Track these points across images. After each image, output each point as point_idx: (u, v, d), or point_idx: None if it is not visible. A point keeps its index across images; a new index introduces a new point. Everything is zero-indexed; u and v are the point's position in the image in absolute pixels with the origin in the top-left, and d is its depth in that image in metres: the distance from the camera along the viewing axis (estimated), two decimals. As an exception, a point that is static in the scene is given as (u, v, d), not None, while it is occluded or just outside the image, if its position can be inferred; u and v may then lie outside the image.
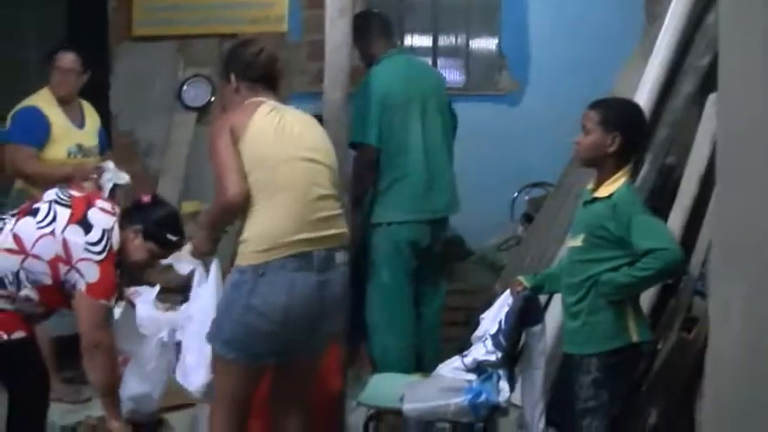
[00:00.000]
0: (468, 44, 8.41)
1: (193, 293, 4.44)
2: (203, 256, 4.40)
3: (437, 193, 5.76)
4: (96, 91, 6.64)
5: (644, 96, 5.54)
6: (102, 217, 4.43)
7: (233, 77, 4.26)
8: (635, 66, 6.01)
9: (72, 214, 4.38)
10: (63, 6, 8.65)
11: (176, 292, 6.40)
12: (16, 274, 4.33)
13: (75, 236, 4.32)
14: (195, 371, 4.52)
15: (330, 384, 4.76)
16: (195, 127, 7.87)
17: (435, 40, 8.51)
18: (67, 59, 5.94)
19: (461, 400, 4.30)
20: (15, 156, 5.71)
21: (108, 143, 6.39)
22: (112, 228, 4.41)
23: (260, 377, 4.12)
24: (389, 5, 8.09)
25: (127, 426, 4.55)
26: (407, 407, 4.35)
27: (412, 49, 8.14)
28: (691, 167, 5.16)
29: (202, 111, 7.90)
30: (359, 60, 5.84)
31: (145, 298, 5.87)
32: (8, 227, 4.40)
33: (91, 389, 5.64)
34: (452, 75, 8.31)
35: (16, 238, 4.34)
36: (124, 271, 4.61)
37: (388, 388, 4.60)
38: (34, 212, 4.40)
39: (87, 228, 4.35)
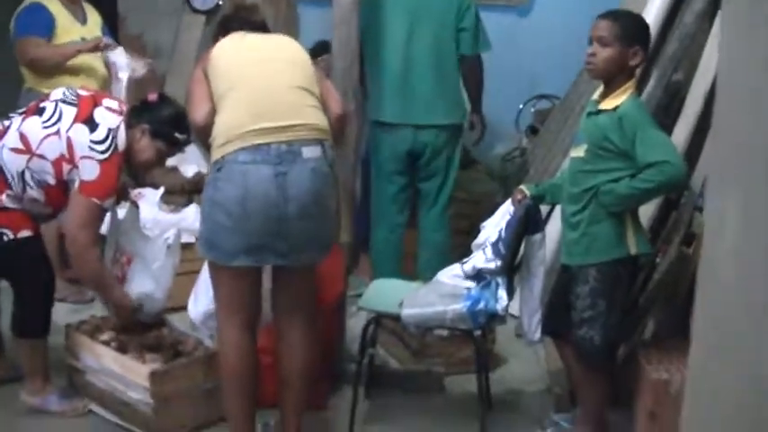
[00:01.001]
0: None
1: None
2: None
3: (415, 102, 5.81)
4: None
5: (654, 10, 5.51)
6: (109, 116, 4.44)
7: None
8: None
9: (78, 113, 4.39)
10: None
11: (181, 193, 6.47)
12: (21, 174, 4.36)
13: (80, 134, 4.34)
14: (196, 298, 4.57)
15: (332, 289, 4.80)
16: (203, 29, 7.84)
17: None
18: None
19: (460, 306, 4.31)
20: (26, 47, 5.70)
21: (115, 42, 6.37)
22: (118, 127, 4.42)
23: (246, 280, 4.00)
24: None
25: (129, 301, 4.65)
26: (406, 312, 4.37)
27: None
28: (697, 83, 5.15)
29: (211, 13, 7.85)
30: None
31: (149, 200, 5.92)
32: (15, 125, 4.41)
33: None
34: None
35: (22, 137, 4.36)
36: (131, 171, 4.64)
37: (387, 293, 4.63)
38: (40, 111, 4.42)
39: (93, 126, 4.36)
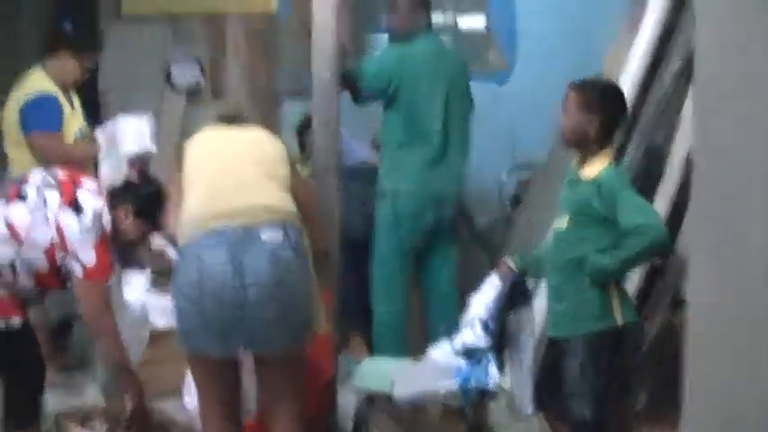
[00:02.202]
0: (455, 21, 8.39)
1: None
2: None
3: (448, 172, 5.83)
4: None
5: (631, 73, 5.56)
6: (92, 198, 4.46)
7: None
8: (623, 42, 6.01)
9: (62, 197, 4.41)
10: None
11: (168, 276, 6.45)
12: (11, 264, 4.35)
13: (68, 219, 4.35)
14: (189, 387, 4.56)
15: (320, 375, 4.78)
16: (185, 108, 7.86)
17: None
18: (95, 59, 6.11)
19: (451, 383, 4.33)
20: (48, 144, 5.71)
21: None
22: (102, 208, 4.45)
23: (221, 370, 3.96)
24: (377, -18, 8.11)
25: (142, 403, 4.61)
26: (398, 391, 4.38)
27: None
28: (677, 148, 5.18)
29: (192, 92, 7.88)
30: (347, 40, 5.89)
31: (137, 282, 5.90)
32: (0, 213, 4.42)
33: (85, 376, 5.73)
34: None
35: (10, 226, 4.36)
36: (116, 250, 4.66)
37: (379, 372, 4.64)
38: (23, 197, 4.42)
39: (79, 210, 4.38)
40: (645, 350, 4.57)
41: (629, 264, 4.11)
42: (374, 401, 4.72)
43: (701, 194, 2.43)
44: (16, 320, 4.42)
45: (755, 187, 2.21)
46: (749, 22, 2.33)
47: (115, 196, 4.55)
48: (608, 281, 4.10)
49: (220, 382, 3.98)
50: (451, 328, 4.84)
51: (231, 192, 3.94)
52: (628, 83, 5.44)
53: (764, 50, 2.26)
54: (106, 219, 4.45)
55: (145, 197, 4.58)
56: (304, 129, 6.49)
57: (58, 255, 4.35)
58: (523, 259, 4.57)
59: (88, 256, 4.35)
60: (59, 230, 4.34)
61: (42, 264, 4.37)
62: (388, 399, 4.50)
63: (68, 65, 5.91)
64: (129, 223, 4.54)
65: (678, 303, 4.38)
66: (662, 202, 5.06)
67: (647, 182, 5.20)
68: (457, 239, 6.09)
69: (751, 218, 2.18)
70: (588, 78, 4.45)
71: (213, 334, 3.81)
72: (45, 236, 4.35)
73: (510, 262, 4.53)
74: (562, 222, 4.24)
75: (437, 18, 8.13)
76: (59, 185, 4.46)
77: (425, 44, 5.90)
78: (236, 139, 4.24)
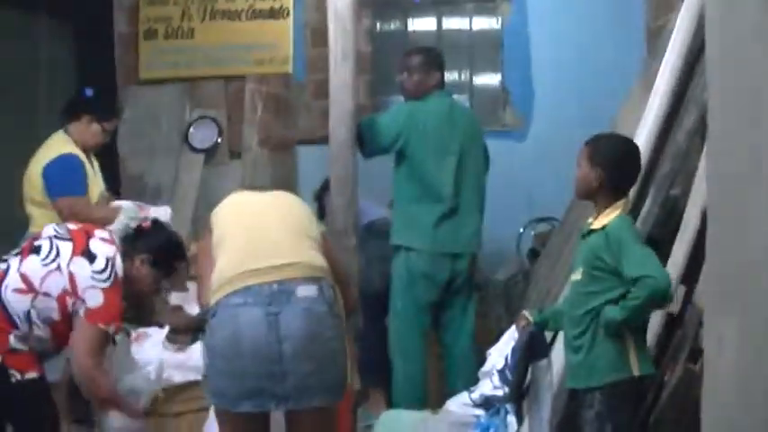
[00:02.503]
0: (471, 80, 8.46)
1: None
2: None
3: (461, 229, 5.83)
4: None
5: (646, 129, 5.56)
6: (104, 246, 4.49)
7: None
8: (637, 99, 6.04)
9: (74, 247, 4.44)
10: (72, 50, 8.76)
11: (186, 332, 6.45)
12: (27, 314, 4.37)
13: (81, 268, 4.39)
14: None
15: (339, 428, 4.76)
16: (203, 169, 7.91)
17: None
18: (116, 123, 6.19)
19: (470, 435, 4.32)
20: (76, 208, 5.70)
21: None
22: (115, 255, 4.47)
23: (251, 426, 3.97)
24: (394, 45, 8.18)
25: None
26: (417, 444, 4.38)
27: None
28: (693, 199, 5.18)
29: (210, 152, 7.93)
30: (363, 100, 5.95)
31: (154, 339, 5.91)
32: (14, 266, 4.45)
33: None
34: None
35: (24, 277, 4.39)
36: (132, 307, 4.67)
37: (397, 425, 4.63)
38: (37, 250, 4.45)
39: (91, 258, 4.41)
40: (664, 400, 4.54)
41: (634, 313, 4.08)
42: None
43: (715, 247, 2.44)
44: (32, 374, 4.42)
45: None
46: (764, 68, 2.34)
47: (128, 244, 4.58)
48: (619, 331, 4.09)
49: None
50: (470, 382, 4.84)
51: (265, 251, 3.97)
52: (642, 137, 5.46)
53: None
54: (119, 266, 4.47)
55: (160, 246, 4.60)
56: (323, 193, 6.51)
57: (69, 301, 4.37)
58: (542, 312, 4.56)
59: (95, 300, 4.36)
60: (71, 278, 4.37)
61: (56, 313, 4.39)
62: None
63: (91, 129, 5.99)
64: (143, 272, 4.57)
65: (697, 352, 4.35)
66: (679, 252, 5.05)
67: (663, 234, 5.20)
68: (475, 294, 6.07)
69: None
70: (601, 133, 4.49)
71: (248, 390, 3.81)
72: (58, 284, 4.38)
73: (528, 314, 4.52)
74: (577, 275, 4.25)
75: (453, 77, 8.23)
76: (71, 236, 4.49)
77: (438, 102, 5.95)
78: (265, 201, 4.30)
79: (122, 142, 7.90)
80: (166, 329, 6.02)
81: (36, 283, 4.38)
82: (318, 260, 4.01)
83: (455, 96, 6.85)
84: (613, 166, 4.24)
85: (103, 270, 4.39)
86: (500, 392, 4.39)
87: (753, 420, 2.04)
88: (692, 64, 5.54)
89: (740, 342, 2.12)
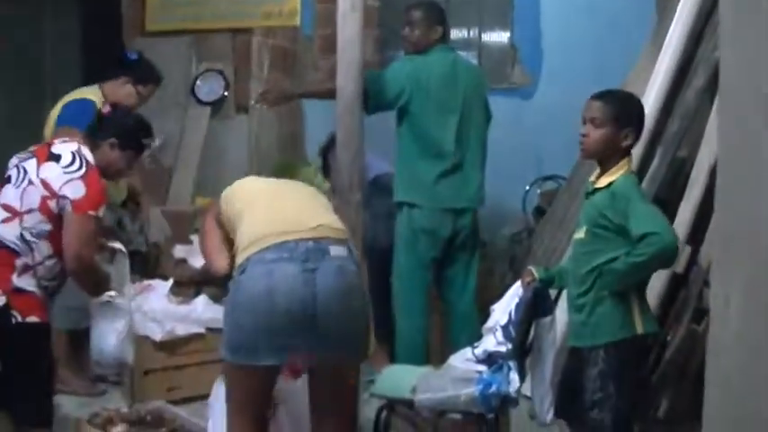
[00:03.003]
0: (480, 37, 8.41)
1: None
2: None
3: (464, 184, 5.81)
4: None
5: (655, 88, 5.55)
6: (66, 144, 4.52)
7: None
8: (647, 58, 6.02)
9: (38, 159, 4.45)
10: (77, 4, 8.73)
11: (189, 285, 6.47)
12: (21, 237, 4.36)
13: (50, 170, 4.40)
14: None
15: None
16: (209, 122, 7.90)
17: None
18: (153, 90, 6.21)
19: (472, 390, 4.30)
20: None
21: None
22: (79, 148, 4.49)
23: (266, 379, 3.94)
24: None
25: None
26: (419, 397, 4.37)
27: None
28: (701, 159, 5.17)
29: (216, 105, 7.92)
30: (371, 55, 5.91)
31: (158, 291, 5.93)
32: None
33: (105, 383, 5.75)
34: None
35: (5, 207, 4.40)
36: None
37: (399, 379, 4.62)
38: (8, 179, 4.47)
39: (57, 158, 4.43)
40: (667, 359, 4.54)
41: (638, 269, 4.05)
42: (395, 408, 4.69)
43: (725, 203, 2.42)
44: (33, 318, 4.40)
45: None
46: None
47: (93, 134, 4.62)
48: (622, 287, 4.07)
49: (263, 389, 3.97)
50: (473, 339, 4.83)
51: (294, 213, 3.99)
52: (651, 97, 5.44)
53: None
54: (87, 154, 4.49)
55: (126, 129, 4.66)
56: (328, 149, 6.48)
57: (52, 204, 4.36)
58: (547, 270, 4.54)
59: (78, 191, 4.37)
60: (45, 184, 4.37)
61: (45, 224, 4.38)
62: (409, 405, 4.48)
63: (125, 89, 6.01)
64: (114, 155, 4.61)
65: (701, 312, 4.35)
66: (686, 212, 5.05)
67: (670, 193, 5.19)
68: (478, 251, 6.06)
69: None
70: (612, 90, 4.42)
71: (277, 344, 3.78)
72: (35, 196, 4.37)
73: (534, 271, 4.50)
74: (580, 233, 4.23)
75: (462, 33, 8.19)
76: (34, 153, 4.51)
77: (440, 57, 5.89)
78: (277, 181, 4.42)
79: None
80: (170, 282, 6.04)
81: (16, 206, 4.38)
82: (341, 224, 4.05)
83: (463, 53, 6.81)
84: (642, 125, 4.21)
85: (72, 162, 4.41)
86: (503, 348, 4.36)
87: (757, 379, 2.02)
88: (703, 23, 5.51)
89: (746, 296, 2.11)
